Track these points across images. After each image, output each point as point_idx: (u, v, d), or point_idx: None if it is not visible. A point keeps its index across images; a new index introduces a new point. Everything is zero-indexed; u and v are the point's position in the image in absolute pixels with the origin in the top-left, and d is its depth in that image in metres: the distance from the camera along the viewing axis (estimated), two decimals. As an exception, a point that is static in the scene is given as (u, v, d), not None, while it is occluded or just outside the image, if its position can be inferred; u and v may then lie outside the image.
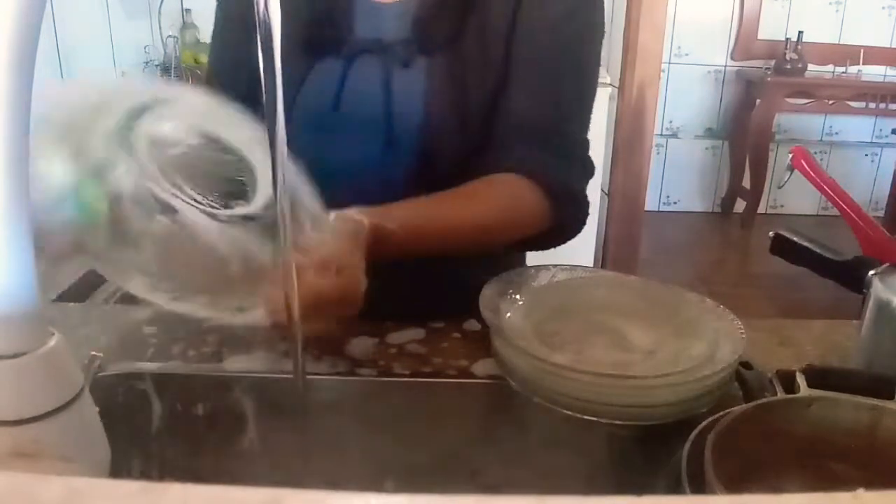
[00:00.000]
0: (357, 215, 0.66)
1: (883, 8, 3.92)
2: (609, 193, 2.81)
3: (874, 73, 3.95)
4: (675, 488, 0.51)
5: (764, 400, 0.59)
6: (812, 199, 4.13)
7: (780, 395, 0.61)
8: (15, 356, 0.40)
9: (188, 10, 2.92)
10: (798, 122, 4.10)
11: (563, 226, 0.85)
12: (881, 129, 4.14)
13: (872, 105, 3.78)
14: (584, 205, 0.87)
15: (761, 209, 4.05)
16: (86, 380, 0.52)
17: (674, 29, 3.84)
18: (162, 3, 2.86)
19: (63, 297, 1.01)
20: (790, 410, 0.57)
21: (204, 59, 2.68)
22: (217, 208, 0.59)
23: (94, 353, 0.68)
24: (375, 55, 0.83)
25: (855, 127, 4.14)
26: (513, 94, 0.83)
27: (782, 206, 4.24)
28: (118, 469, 0.47)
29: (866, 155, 4.19)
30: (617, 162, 2.74)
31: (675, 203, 4.29)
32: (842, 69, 3.92)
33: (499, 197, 0.81)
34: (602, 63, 0.94)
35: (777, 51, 3.85)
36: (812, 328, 0.81)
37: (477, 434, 0.71)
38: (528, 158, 0.81)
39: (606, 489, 0.68)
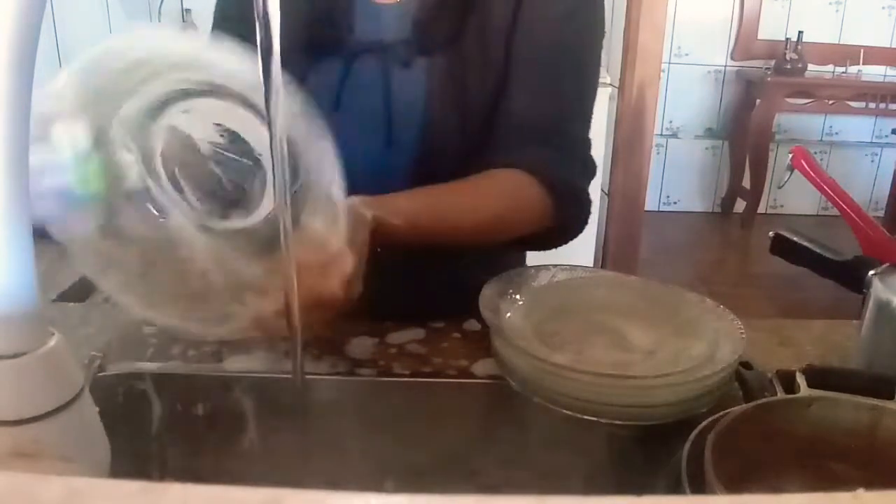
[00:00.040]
0: (362, 207, 0.65)
1: (883, 8, 3.92)
2: (609, 193, 2.81)
3: (874, 73, 3.95)
4: (675, 488, 0.51)
5: (764, 400, 0.59)
6: (812, 199, 4.13)
7: (780, 395, 0.61)
8: (15, 356, 0.40)
9: (188, 11, 2.92)
10: (798, 122, 4.10)
11: (566, 225, 0.85)
12: (881, 129, 4.14)
13: (872, 105, 3.78)
14: (586, 204, 0.87)
15: (761, 209, 4.05)
16: (86, 380, 0.52)
17: (674, 29, 3.84)
18: (162, 3, 2.86)
19: (63, 297, 1.01)
20: (790, 410, 0.57)
21: (204, 58, 2.67)
22: (213, 218, 0.58)
23: (94, 353, 0.68)
24: (375, 55, 0.83)
25: (855, 127, 4.14)
26: (513, 93, 0.83)
27: (782, 206, 4.24)
28: (118, 469, 0.47)
29: (866, 155, 4.20)
30: (617, 162, 2.74)
31: (675, 203, 4.29)
32: (842, 69, 3.92)
33: (502, 189, 0.81)
34: (602, 63, 0.94)
35: (777, 51, 3.85)
36: (812, 328, 0.81)
37: (477, 434, 0.71)
38: (529, 157, 0.81)
39: (606, 489, 0.68)
